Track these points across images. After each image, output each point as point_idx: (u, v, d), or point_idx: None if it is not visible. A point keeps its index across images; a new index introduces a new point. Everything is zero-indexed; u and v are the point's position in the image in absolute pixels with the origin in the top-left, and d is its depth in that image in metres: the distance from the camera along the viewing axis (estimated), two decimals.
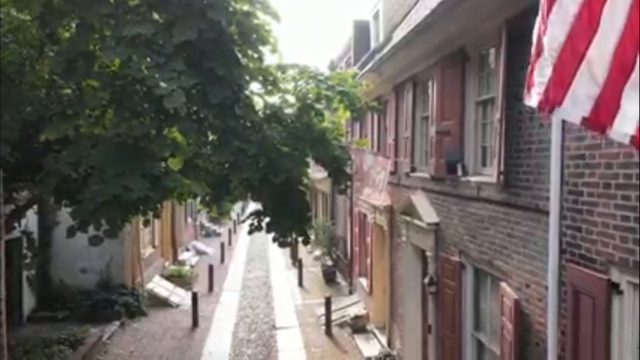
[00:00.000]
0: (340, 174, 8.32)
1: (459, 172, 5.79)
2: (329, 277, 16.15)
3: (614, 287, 3.35)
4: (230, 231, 25.19)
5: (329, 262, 16.76)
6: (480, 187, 5.39)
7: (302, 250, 17.56)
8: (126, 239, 12.92)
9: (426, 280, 6.82)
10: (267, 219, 8.45)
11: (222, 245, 20.76)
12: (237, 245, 24.37)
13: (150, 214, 9.85)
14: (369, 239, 11.46)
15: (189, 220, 22.34)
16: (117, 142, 6.17)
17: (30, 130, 6.83)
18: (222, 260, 19.73)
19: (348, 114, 9.03)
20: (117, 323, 11.55)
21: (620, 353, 3.31)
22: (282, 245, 8.42)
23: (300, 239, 8.93)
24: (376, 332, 10.57)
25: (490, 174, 5.17)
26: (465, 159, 5.84)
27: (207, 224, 27.54)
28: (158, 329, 11.54)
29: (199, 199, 11.23)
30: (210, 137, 7.21)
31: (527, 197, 4.51)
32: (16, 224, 10.42)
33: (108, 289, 12.23)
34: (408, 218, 7.71)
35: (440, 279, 6.59)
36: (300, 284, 15.91)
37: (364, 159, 7.98)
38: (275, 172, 7.43)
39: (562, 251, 3.92)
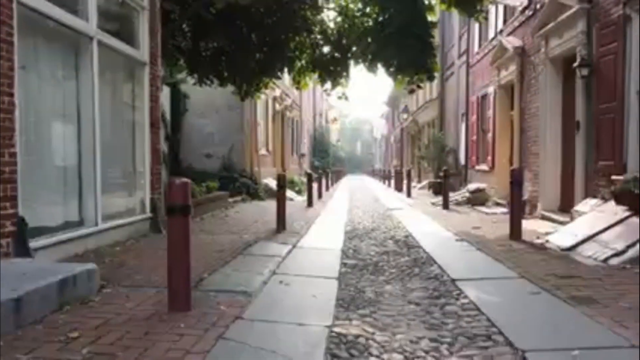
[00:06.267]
0: None
1: None
2: (437, 191, 15.71)
3: None
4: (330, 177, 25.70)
5: (438, 180, 16.34)
6: None
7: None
8: (245, 129, 13.69)
9: (576, 63, 6.29)
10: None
11: (327, 175, 21.17)
12: (340, 185, 24.80)
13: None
14: (490, 112, 10.93)
15: (295, 155, 23.09)
16: None
17: None
18: (327, 188, 20.11)
19: None
20: (239, 198, 12.28)
21: None
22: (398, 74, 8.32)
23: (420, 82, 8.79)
24: (499, 201, 10.05)
25: None
26: None
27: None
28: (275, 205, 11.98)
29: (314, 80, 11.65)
30: None
31: None
32: None
33: (230, 172, 13.04)
34: (550, 25, 7.21)
35: (595, 55, 6.06)
36: (409, 195, 15.68)
37: None
38: None
39: None
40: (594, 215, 5.61)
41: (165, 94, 12.47)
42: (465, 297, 3.68)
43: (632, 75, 5.43)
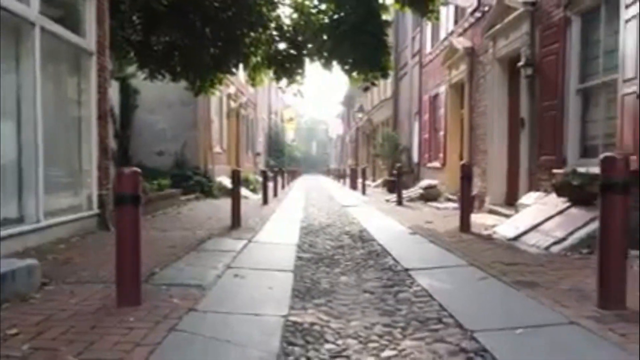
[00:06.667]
0: None
1: None
2: (391, 188, 16.03)
3: None
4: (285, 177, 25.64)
5: (392, 178, 16.67)
6: None
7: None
8: (199, 126, 13.40)
9: (521, 62, 6.61)
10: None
11: (283, 174, 21.09)
12: (295, 184, 24.78)
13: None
14: (441, 111, 11.27)
15: (250, 153, 22.87)
16: None
17: None
18: (283, 187, 20.04)
19: None
20: (193, 196, 12.00)
21: None
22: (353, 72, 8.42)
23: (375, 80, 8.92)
24: (451, 197, 10.37)
25: None
26: None
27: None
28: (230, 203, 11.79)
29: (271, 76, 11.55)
30: None
31: None
32: None
33: (183, 169, 12.72)
34: (497, 26, 7.52)
35: (537, 55, 6.37)
36: (364, 193, 15.89)
37: None
38: None
39: None
40: (537, 207, 5.90)
41: (114, 88, 12.01)
42: (418, 285, 3.76)
43: (571, 75, 5.77)
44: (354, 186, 19.49)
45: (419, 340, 2.59)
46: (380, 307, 3.25)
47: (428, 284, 3.73)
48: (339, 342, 2.61)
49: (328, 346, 2.55)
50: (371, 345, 2.57)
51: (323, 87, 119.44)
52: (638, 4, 4.37)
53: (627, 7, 4.55)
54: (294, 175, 32.20)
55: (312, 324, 2.87)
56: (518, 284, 3.56)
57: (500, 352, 2.32)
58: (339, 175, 29.31)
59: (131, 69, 11.31)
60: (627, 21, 4.56)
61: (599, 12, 5.36)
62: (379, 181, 18.65)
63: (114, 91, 11.94)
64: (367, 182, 18.00)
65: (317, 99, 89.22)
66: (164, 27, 9.09)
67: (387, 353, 2.46)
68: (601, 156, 2.82)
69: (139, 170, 3.07)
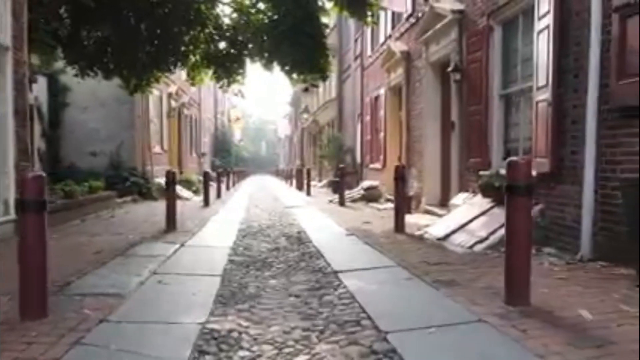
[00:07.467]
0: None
1: None
2: (336, 189, 16.15)
3: None
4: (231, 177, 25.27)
5: (336, 179, 16.81)
6: None
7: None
8: (136, 125, 12.91)
9: (450, 68, 6.85)
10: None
11: (228, 174, 20.78)
12: (242, 185, 24.49)
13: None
14: (381, 113, 11.50)
15: (194, 154, 22.34)
16: None
17: None
18: (228, 188, 19.74)
19: None
20: (129, 198, 11.54)
21: None
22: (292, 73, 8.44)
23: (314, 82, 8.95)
24: (391, 197, 10.60)
25: None
26: None
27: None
28: None
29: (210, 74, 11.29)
30: None
31: None
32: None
33: (119, 170, 12.20)
34: (429, 32, 7.76)
35: (465, 61, 6.64)
36: (309, 193, 15.93)
37: None
38: None
39: None
40: (466, 208, 6.14)
41: (41, 85, 11.36)
42: (344, 287, 3.80)
43: (495, 81, 6.06)
44: (299, 187, 19.52)
45: (334, 343, 2.61)
46: (303, 310, 3.25)
47: (354, 286, 3.78)
48: (254, 348, 2.59)
49: (242, 353, 2.52)
50: (286, 350, 2.56)
51: (271, 87, 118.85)
52: (548, 16, 4.65)
53: (539, 19, 4.84)
54: (241, 175, 31.78)
55: (230, 330, 2.83)
56: (438, 283, 3.68)
57: (408, 353, 2.38)
58: (287, 176, 29.22)
59: (60, 64, 10.70)
60: (539, 32, 4.85)
61: (518, 22, 5.67)
62: (325, 181, 18.78)
63: (40, 88, 11.30)
64: (314, 183, 18.09)
65: (265, 98, 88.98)
66: (95, 21, 8.69)
67: (300, 358, 2.46)
68: (507, 160, 2.96)
69: (43, 174, 2.90)
